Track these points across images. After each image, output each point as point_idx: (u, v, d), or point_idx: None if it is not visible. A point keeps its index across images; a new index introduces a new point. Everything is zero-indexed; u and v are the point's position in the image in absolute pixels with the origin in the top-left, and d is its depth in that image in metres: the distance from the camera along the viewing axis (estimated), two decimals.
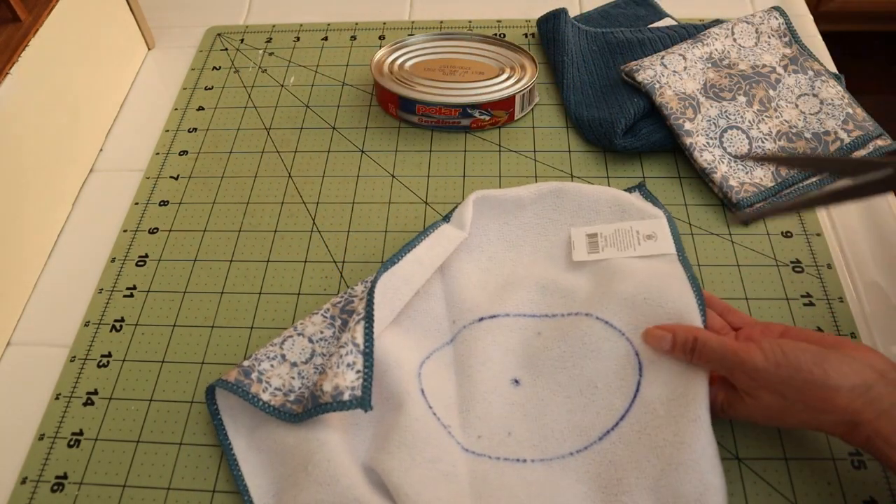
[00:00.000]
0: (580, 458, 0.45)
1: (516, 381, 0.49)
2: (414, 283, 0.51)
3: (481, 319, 0.52)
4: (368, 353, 0.46)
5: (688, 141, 0.61)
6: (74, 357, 0.54)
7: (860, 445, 0.40)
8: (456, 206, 0.57)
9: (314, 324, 0.51)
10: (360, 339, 0.47)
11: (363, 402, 0.45)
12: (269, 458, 0.47)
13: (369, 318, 0.47)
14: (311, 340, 0.50)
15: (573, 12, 0.78)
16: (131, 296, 0.57)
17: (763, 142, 0.61)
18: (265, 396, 0.47)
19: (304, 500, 0.43)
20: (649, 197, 0.60)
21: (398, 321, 0.52)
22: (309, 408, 0.45)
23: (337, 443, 0.45)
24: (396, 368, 0.48)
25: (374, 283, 0.49)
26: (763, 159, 0.52)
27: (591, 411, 0.47)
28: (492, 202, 0.57)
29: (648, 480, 0.42)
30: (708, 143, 0.61)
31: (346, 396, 0.45)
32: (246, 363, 0.49)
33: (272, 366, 0.49)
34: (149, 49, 0.79)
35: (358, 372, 0.46)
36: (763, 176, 0.59)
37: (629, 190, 0.60)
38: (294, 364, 0.49)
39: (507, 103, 0.65)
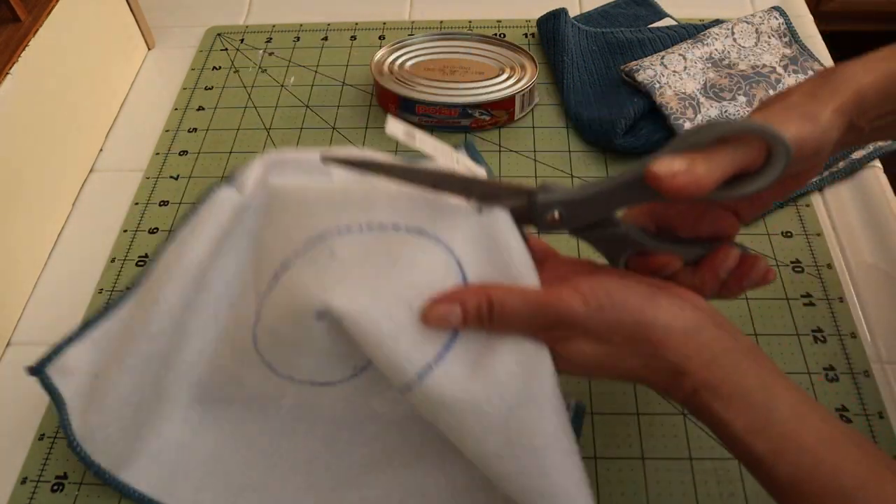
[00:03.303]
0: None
1: (319, 315, 0.37)
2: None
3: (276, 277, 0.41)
4: None
5: None
6: None
7: (683, 400, 0.35)
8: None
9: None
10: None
11: None
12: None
13: None
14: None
15: (573, 12, 0.78)
16: None
17: None
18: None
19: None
20: (475, 154, 0.55)
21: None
22: None
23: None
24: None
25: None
26: (338, 161, 0.39)
27: (408, 339, 0.36)
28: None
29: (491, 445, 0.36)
30: None
31: None
32: None
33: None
34: (149, 49, 0.79)
35: None
36: None
37: (454, 148, 0.52)
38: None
39: (507, 103, 0.65)
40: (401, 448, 0.45)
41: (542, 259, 0.40)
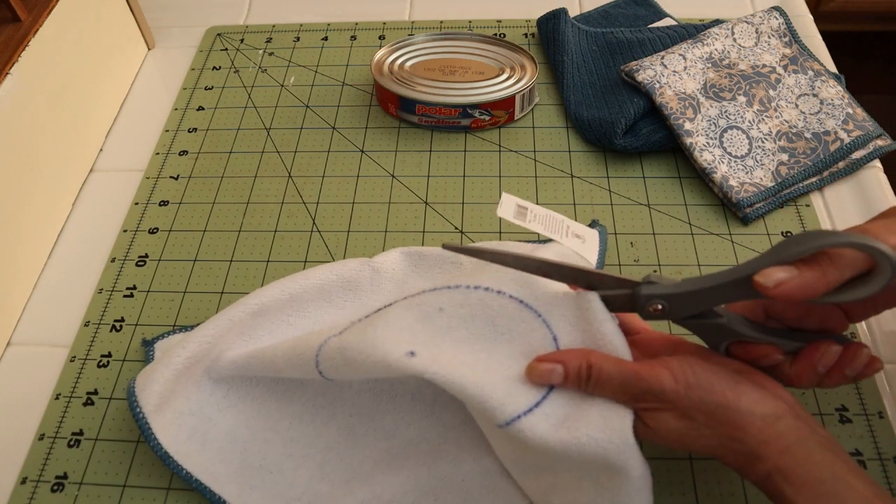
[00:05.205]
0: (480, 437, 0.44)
1: (412, 354, 0.40)
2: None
3: (378, 310, 0.46)
4: None
5: (688, 141, 0.61)
6: (74, 357, 0.54)
7: (755, 481, 0.37)
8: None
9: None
10: None
11: None
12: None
13: None
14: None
15: (573, 12, 0.78)
16: (131, 296, 0.57)
17: (763, 141, 0.61)
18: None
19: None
20: (603, 238, 0.57)
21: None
22: None
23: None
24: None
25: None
26: (457, 250, 0.42)
27: (499, 393, 0.39)
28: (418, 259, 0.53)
29: (573, 493, 0.40)
30: (708, 143, 0.61)
31: None
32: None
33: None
34: (149, 49, 0.79)
35: None
36: (763, 176, 0.59)
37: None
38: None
39: (507, 103, 0.65)
40: (418, 446, 0.45)
41: (636, 331, 0.43)
